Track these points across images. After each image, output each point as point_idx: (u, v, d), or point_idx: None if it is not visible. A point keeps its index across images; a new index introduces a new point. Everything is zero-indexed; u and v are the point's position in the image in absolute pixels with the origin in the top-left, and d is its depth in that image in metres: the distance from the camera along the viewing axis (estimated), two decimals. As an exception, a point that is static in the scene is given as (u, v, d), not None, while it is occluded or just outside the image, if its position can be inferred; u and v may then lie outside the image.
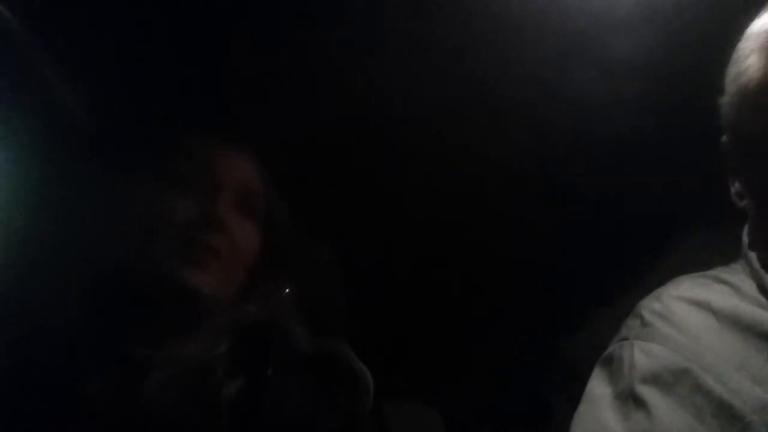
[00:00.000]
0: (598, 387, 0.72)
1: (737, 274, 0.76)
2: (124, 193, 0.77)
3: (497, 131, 1.11)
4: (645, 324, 0.73)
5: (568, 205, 1.20)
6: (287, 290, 0.78)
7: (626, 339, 0.73)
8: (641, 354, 0.70)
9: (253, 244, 0.83)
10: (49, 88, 0.84)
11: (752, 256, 0.75)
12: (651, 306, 0.75)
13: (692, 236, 1.01)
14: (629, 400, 0.68)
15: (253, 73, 1.02)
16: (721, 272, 0.77)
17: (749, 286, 0.73)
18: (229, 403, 0.66)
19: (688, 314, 0.72)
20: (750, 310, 0.70)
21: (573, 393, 0.78)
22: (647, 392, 0.67)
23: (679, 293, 0.75)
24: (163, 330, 0.72)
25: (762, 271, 0.73)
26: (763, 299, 0.71)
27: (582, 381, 0.77)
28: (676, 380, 0.66)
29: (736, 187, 0.76)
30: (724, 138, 0.77)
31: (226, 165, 0.83)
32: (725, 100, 0.75)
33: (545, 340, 1.15)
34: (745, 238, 0.76)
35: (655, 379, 0.67)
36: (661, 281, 0.81)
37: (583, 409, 0.72)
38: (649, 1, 0.95)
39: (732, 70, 0.74)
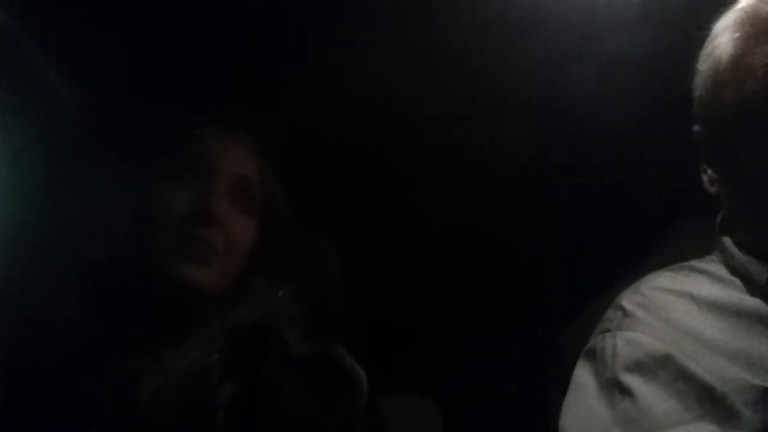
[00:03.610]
0: (583, 377, 0.73)
1: (713, 264, 0.78)
2: (120, 189, 0.76)
3: (496, 129, 1.12)
4: (626, 314, 0.75)
5: (570, 202, 1.19)
6: (281, 292, 0.78)
7: (608, 330, 0.74)
8: (623, 343, 0.71)
9: (248, 235, 0.82)
10: (48, 87, 0.84)
11: (725, 240, 0.76)
12: (631, 297, 0.77)
13: (690, 229, 1.02)
14: (614, 388, 0.69)
15: (255, 65, 1.03)
16: (697, 263, 0.79)
17: (724, 272, 0.75)
18: (225, 407, 0.66)
19: (668, 303, 0.74)
20: (727, 293, 0.72)
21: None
22: (631, 380, 0.68)
23: (658, 284, 0.77)
24: (160, 332, 0.72)
25: (733, 250, 0.74)
26: (737, 281, 0.73)
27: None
28: (658, 367, 0.68)
29: (708, 174, 0.77)
30: (696, 127, 0.77)
31: (222, 155, 0.82)
32: (697, 82, 0.74)
33: (545, 338, 1.16)
34: (718, 225, 0.78)
35: (638, 367, 0.69)
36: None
37: (570, 399, 0.74)
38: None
39: (704, 52, 0.73)
